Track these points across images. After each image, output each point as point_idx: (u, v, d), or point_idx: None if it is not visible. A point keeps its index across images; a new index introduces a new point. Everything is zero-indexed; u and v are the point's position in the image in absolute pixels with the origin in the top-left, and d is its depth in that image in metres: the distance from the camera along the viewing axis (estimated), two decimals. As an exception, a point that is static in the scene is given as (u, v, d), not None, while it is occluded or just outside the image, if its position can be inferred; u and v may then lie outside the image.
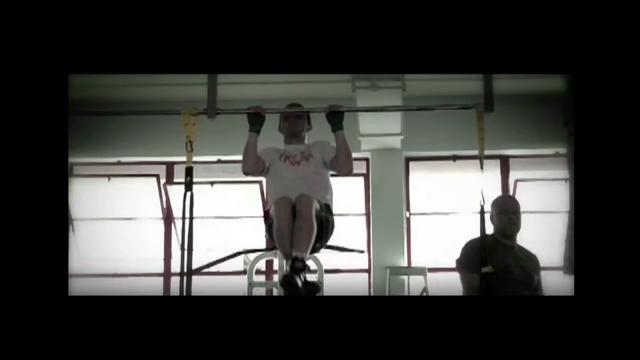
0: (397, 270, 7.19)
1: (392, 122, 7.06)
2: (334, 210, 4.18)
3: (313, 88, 6.45)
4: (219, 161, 7.67)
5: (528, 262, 4.28)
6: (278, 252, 4.10)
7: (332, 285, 6.32)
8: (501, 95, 5.89)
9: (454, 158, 7.72)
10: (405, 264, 7.36)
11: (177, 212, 7.45)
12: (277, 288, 5.65)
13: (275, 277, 5.99)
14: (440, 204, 7.67)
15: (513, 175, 7.62)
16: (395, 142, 7.40)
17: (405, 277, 7.24)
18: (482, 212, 3.78)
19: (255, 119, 4.09)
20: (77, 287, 7.12)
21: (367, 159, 7.63)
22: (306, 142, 4.35)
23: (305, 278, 3.66)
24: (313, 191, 4.02)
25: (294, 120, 4.32)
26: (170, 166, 7.84)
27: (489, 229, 4.23)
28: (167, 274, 7.74)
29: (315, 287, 3.80)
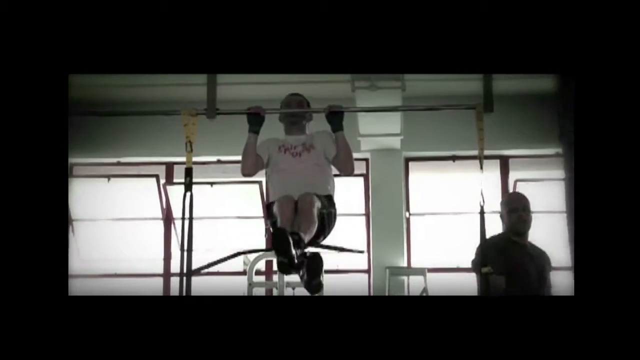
0: (396, 271, 7.19)
1: (392, 123, 7.06)
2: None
3: (313, 88, 6.42)
4: (219, 161, 7.67)
5: (541, 260, 4.29)
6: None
7: (332, 285, 6.32)
8: (501, 95, 5.92)
9: (454, 158, 7.73)
10: (405, 264, 7.36)
11: (176, 212, 7.45)
12: (276, 288, 5.66)
13: (275, 278, 6.00)
14: (440, 204, 7.66)
15: (513, 176, 7.62)
16: (395, 142, 7.40)
17: (405, 278, 7.23)
18: (482, 212, 3.78)
19: (255, 120, 4.08)
20: (77, 287, 7.14)
21: (366, 159, 7.63)
22: (307, 132, 4.31)
23: (304, 253, 3.64)
24: (315, 183, 4.01)
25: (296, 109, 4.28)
26: (170, 166, 7.84)
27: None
28: (167, 274, 7.74)
29: (318, 265, 3.67)
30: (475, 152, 3.82)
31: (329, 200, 4.05)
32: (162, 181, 7.69)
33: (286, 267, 3.55)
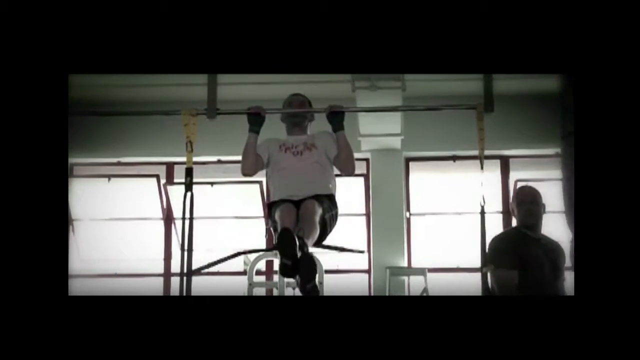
0: (397, 271, 7.19)
1: (392, 123, 7.06)
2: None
3: (313, 88, 6.41)
4: (219, 161, 7.67)
5: (555, 253, 4.29)
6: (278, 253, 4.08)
7: (332, 286, 6.33)
8: (501, 96, 5.92)
9: (454, 158, 7.72)
10: (405, 265, 7.36)
11: (177, 212, 7.46)
12: (277, 288, 5.67)
13: (275, 278, 6.00)
14: (440, 204, 7.66)
15: (513, 176, 7.61)
16: (395, 142, 7.40)
17: (405, 278, 7.23)
18: (482, 212, 3.78)
19: (255, 120, 4.08)
20: (77, 287, 7.15)
21: (367, 159, 7.63)
22: (308, 132, 4.30)
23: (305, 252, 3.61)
24: (316, 181, 4.01)
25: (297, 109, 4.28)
26: (170, 166, 7.84)
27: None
28: (167, 274, 7.74)
29: (310, 268, 3.59)
30: (475, 152, 3.83)
31: (330, 200, 4.04)
32: (163, 181, 7.69)
33: (288, 269, 3.54)
